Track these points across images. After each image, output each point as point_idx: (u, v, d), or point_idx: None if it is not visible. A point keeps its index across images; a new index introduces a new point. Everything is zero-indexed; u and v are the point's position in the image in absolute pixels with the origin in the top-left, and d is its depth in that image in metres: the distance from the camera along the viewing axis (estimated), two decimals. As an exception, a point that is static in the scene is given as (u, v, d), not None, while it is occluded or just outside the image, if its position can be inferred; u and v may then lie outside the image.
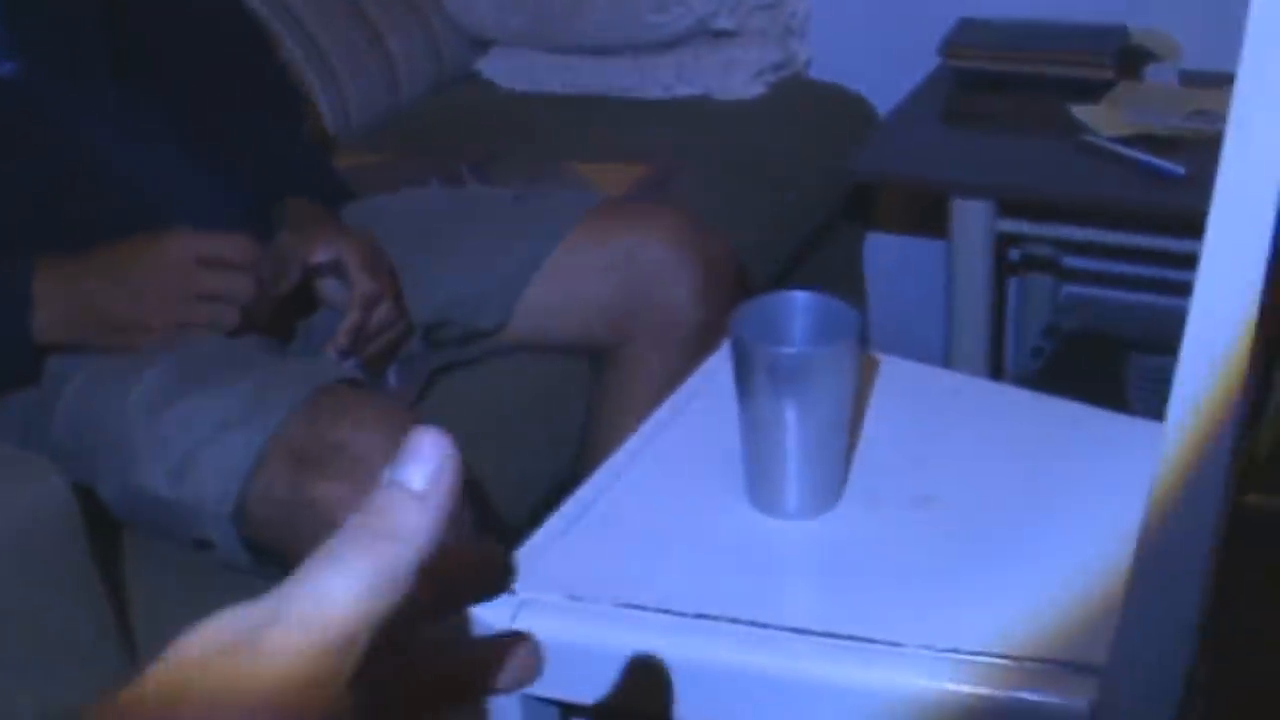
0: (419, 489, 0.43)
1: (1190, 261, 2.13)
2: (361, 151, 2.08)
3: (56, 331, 1.31)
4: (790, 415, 0.92)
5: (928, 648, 0.84)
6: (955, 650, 0.83)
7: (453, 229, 1.56)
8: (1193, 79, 2.02)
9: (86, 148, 1.38)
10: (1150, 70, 2.06)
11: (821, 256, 2.24)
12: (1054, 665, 0.81)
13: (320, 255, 1.42)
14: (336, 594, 0.41)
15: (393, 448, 1.13)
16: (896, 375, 1.11)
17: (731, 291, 1.55)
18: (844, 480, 0.98)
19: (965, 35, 2.13)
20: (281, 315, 1.41)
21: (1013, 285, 2.31)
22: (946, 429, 1.06)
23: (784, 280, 2.05)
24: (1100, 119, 1.90)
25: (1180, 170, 1.75)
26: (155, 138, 1.45)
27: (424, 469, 0.44)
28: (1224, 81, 1.85)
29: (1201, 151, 1.81)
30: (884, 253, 2.46)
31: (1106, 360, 2.15)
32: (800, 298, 0.96)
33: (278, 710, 0.39)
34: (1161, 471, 0.72)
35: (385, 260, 1.47)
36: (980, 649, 0.83)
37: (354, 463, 1.18)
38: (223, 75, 1.58)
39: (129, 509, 1.28)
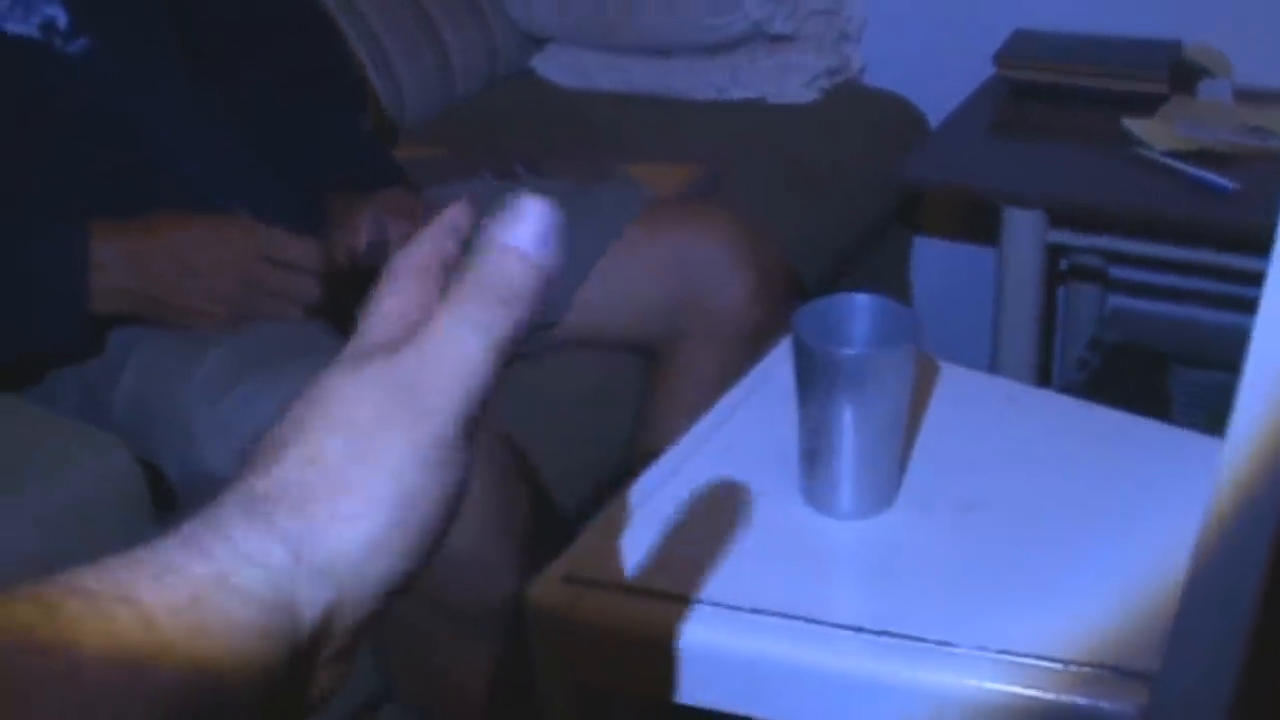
0: (530, 251, 0.46)
1: (1239, 276, 2.14)
2: (415, 143, 2.10)
3: (113, 301, 1.32)
4: (848, 416, 0.93)
5: (980, 649, 0.85)
6: (1007, 652, 0.84)
7: None
8: (1246, 95, 2.02)
9: (150, 129, 1.39)
10: (1203, 85, 2.06)
11: (870, 260, 2.25)
12: (1105, 670, 0.82)
13: (364, 238, 1.43)
14: (476, 356, 0.45)
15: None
16: (950, 380, 1.13)
17: (783, 294, 1.56)
18: (899, 482, 0.99)
19: (1019, 46, 2.14)
20: (344, 300, 1.43)
21: (1059, 295, 2.32)
22: (999, 435, 1.07)
23: (833, 283, 2.06)
24: (1153, 133, 1.90)
25: (1232, 185, 1.75)
26: (217, 123, 1.47)
27: (532, 231, 0.46)
28: (1277, 98, 1.85)
29: (1254, 167, 1.81)
30: (931, 258, 2.47)
31: (1150, 373, 2.15)
32: (861, 300, 0.97)
33: (440, 471, 0.45)
34: (1220, 483, 0.73)
35: (416, 206, 1.49)
36: (1032, 652, 0.84)
37: None
38: (286, 61, 1.60)
39: (192, 487, 1.29)
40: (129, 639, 0.38)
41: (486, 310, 0.46)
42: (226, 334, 1.33)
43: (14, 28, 1.33)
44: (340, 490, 0.44)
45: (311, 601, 0.43)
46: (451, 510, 0.47)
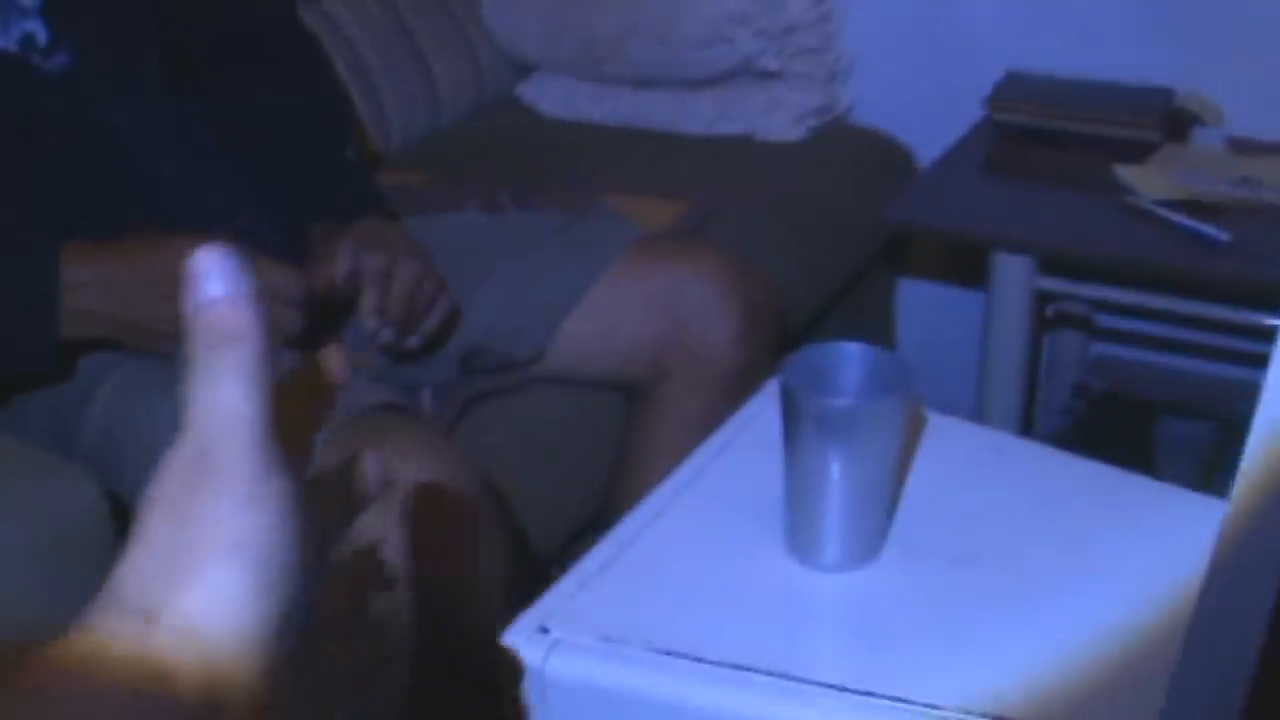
0: (224, 295, 0.49)
1: (1227, 327, 2.12)
2: (400, 170, 2.08)
3: (86, 325, 1.29)
4: (835, 467, 0.91)
5: (965, 712, 0.82)
6: (995, 715, 0.82)
7: (493, 256, 1.55)
8: (1239, 145, 2.02)
9: (128, 147, 1.37)
10: (1195, 134, 2.05)
11: (855, 301, 2.23)
12: (1095, 738, 0.80)
13: (340, 269, 1.41)
14: (230, 401, 0.49)
15: (432, 473, 1.14)
16: (938, 430, 1.10)
17: (771, 334, 1.54)
18: (885, 534, 0.97)
19: (1011, 89, 2.12)
20: (315, 330, 1.41)
21: (1044, 342, 2.30)
22: (987, 487, 1.05)
23: (817, 324, 2.04)
24: (1144, 181, 1.89)
25: (1225, 237, 1.74)
26: (198, 141, 1.44)
27: (218, 278, 0.50)
28: (1271, 150, 1.84)
29: (1245, 219, 1.80)
30: (916, 300, 2.46)
31: (1135, 422, 2.13)
32: (851, 349, 0.95)
33: (253, 511, 0.48)
34: (1220, 547, 0.71)
35: (395, 237, 1.47)
36: (1020, 714, 0.82)
37: (392, 488, 1.17)
38: (269, 84, 1.58)
39: None
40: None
41: (216, 359, 0.49)
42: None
43: None
44: (173, 563, 0.47)
45: (183, 664, 0.45)
46: (297, 541, 0.49)
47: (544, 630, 0.90)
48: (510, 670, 0.89)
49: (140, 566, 0.47)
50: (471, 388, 1.53)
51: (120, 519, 1.18)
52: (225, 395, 0.49)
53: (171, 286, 1.27)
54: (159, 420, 1.26)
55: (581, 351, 1.53)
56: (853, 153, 2.25)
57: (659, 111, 2.27)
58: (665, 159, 2.16)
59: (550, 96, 2.36)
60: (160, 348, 1.30)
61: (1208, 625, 0.73)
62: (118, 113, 1.37)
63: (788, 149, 2.20)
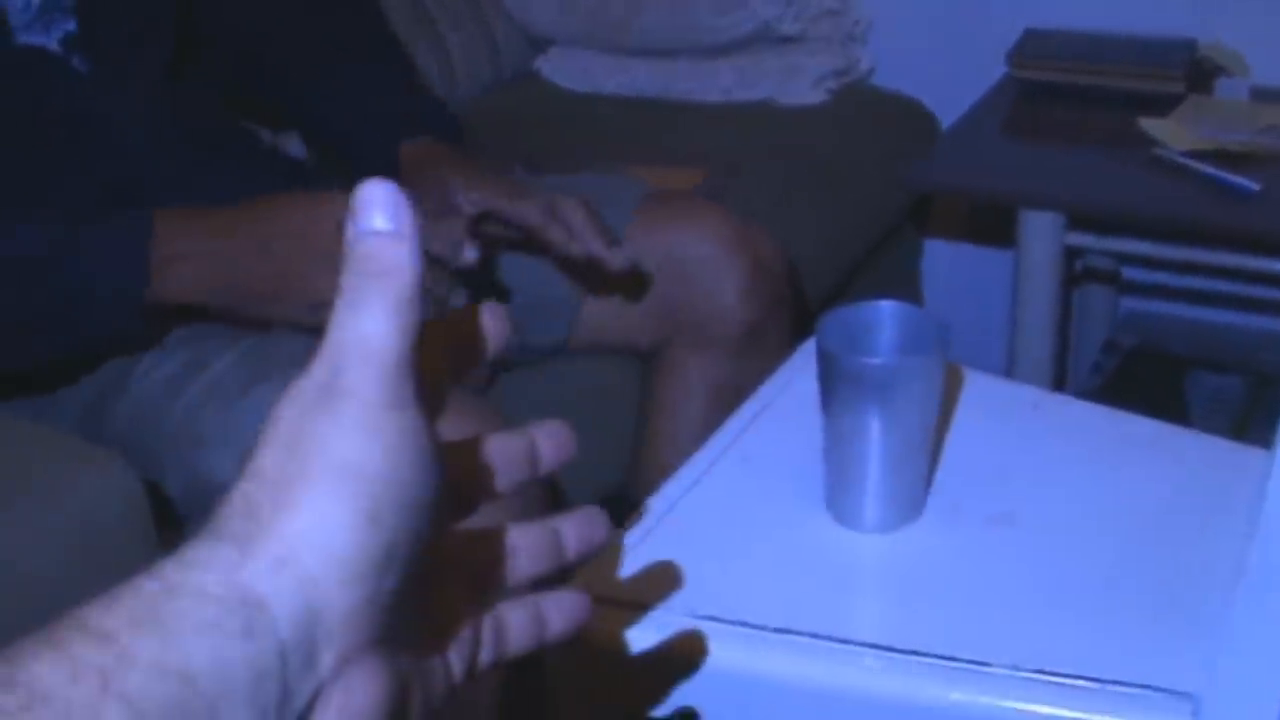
0: (387, 228, 0.49)
1: (1257, 278, 2.11)
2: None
3: (186, 287, 1.23)
4: (874, 427, 0.90)
5: (1014, 668, 0.82)
6: (1043, 671, 0.81)
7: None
8: (1263, 94, 2.00)
9: (140, 153, 1.35)
10: (1220, 85, 2.03)
11: (881, 264, 2.22)
12: (1146, 690, 0.79)
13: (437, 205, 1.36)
14: (371, 329, 0.48)
15: (469, 430, 1.11)
16: (974, 387, 1.09)
17: (779, 292, 1.51)
18: (925, 494, 0.96)
19: (1031, 46, 2.11)
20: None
21: (1073, 299, 2.29)
22: (1027, 444, 1.04)
23: (845, 288, 2.03)
24: (1170, 133, 1.87)
25: (1255, 186, 1.72)
26: (207, 143, 1.43)
27: (382, 210, 0.49)
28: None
29: (1273, 168, 1.78)
30: (943, 261, 2.44)
31: (1167, 377, 2.12)
32: (886, 307, 0.94)
33: (372, 437, 0.47)
34: (1272, 498, 0.70)
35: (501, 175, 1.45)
36: (1068, 671, 0.81)
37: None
38: (315, 26, 1.56)
39: (197, 501, 1.25)
40: (86, 660, 0.40)
41: (363, 290, 0.48)
42: (313, 321, 1.21)
43: (35, 39, 1.30)
44: (280, 489, 0.46)
45: (278, 593, 0.44)
46: (417, 473, 0.48)
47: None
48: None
49: (245, 495, 0.46)
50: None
51: (155, 504, 1.18)
52: (366, 323, 0.48)
53: (280, 248, 1.23)
54: (195, 395, 1.25)
55: (592, 319, 1.51)
56: (874, 115, 2.23)
57: (678, 81, 2.26)
58: (685, 128, 2.14)
59: (568, 70, 2.35)
60: (264, 314, 1.26)
61: (1260, 573, 0.72)
62: (131, 115, 1.36)
63: (808, 113, 2.18)
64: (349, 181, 0.52)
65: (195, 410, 1.25)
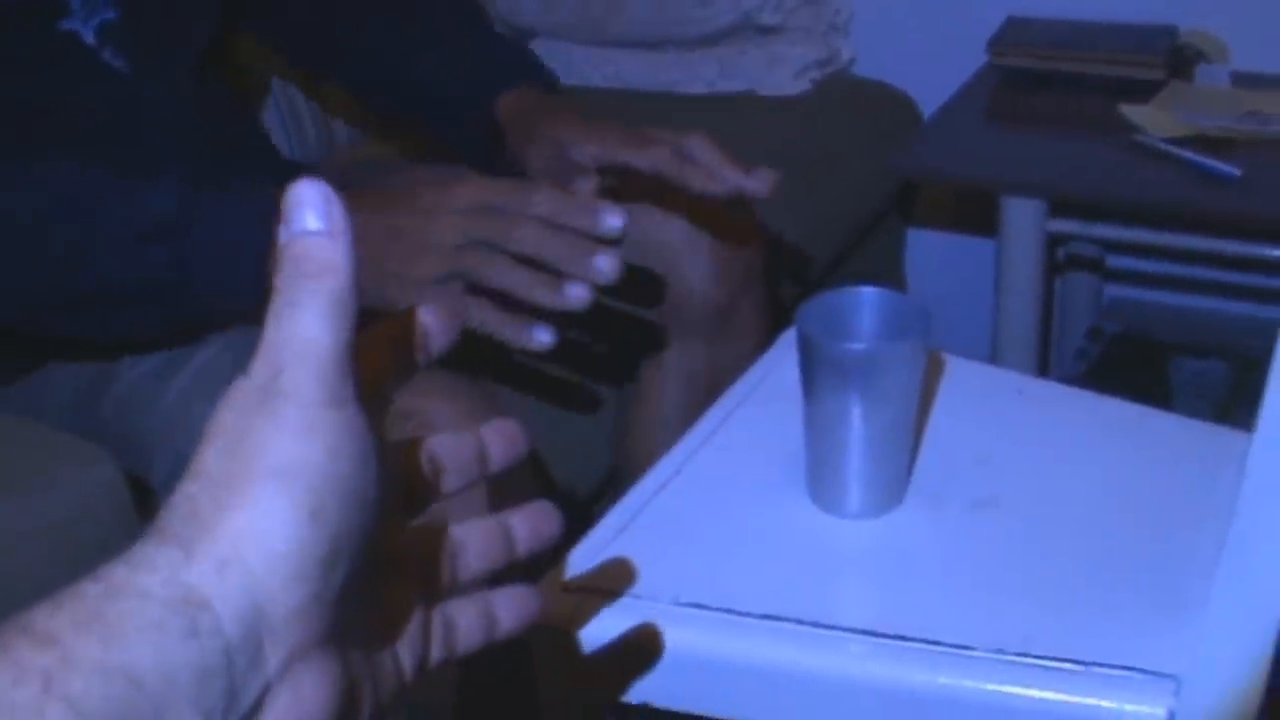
0: (319, 227, 0.49)
1: (1240, 263, 2.11)
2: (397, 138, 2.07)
3: None
4: (856, 412, 0.90)
5: (999, 651, 0.82)
6: (1026, 654, 0.82)
7: None
8: (1243, 80, 2.00)
9: (161, 154, 1.31)
10: (1200, 71, 2.03)
11: (865, 253, 2.22)
12: (1130, 672, 0.79)
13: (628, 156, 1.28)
14: (308, 330, 0.48)
15: (462, 416, 1.13)
16: (957, 373, 1.10)
17: (750, 275, 1.48)
18: (907, 480, 0.96)
19: (1012, 34, 2.11)
20: None
21: (1056, 286, 2.29)
22: (1009, 429, 1.04)
23: (828, 278, 2.03)
24: (1151, 119, 1.88)
25: (1235, 172, 1.73)
26: (226, 146, 1.40)
27: (314, 209, 0.50)
28: (1276, 84, 1.83)
29: (1254, 153, 1.79)
30: (926, 250, 2.45)
31: (1151, 363, 2.13)
32: (867, 293, 0.95)
33: (311, 436, 0.47)
34: (1250, 479, 0.71)
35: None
36: (1052, 654, 0.81)
37: (423, 430, 1.12)
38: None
39: None
40: (28, 662, 0.40)
41: (299, 290, 0.48)
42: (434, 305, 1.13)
43: (74, 25, 1.26)
44: (222, 489, 0.46)
45: (223, 593, 0.44)
46: (358, 470, 0.48)
47: (569, 588, 0.90)
48: (539, 629, 0.89)
49: (188, 496, 0.47)
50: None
51: (139, 499, 1.18)
52: (303, 323, 0.48)
53: (406, 224, 1.10)
54: (183, 381, 1.24)
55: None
56: (856, 105, 2.23)
57: (660, 73, 2.26)
58: (668, 120, 2.12)
59: (551, 62, 2.33)
60: (393, 297, 1.11)
61: (1240, 555, 0.72)
62: (169, 113, 1.33)
63: (791, 104, 2.18)
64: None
65: (187, 397, 1.23)
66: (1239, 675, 0.75)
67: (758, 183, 1.27)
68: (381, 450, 0.51)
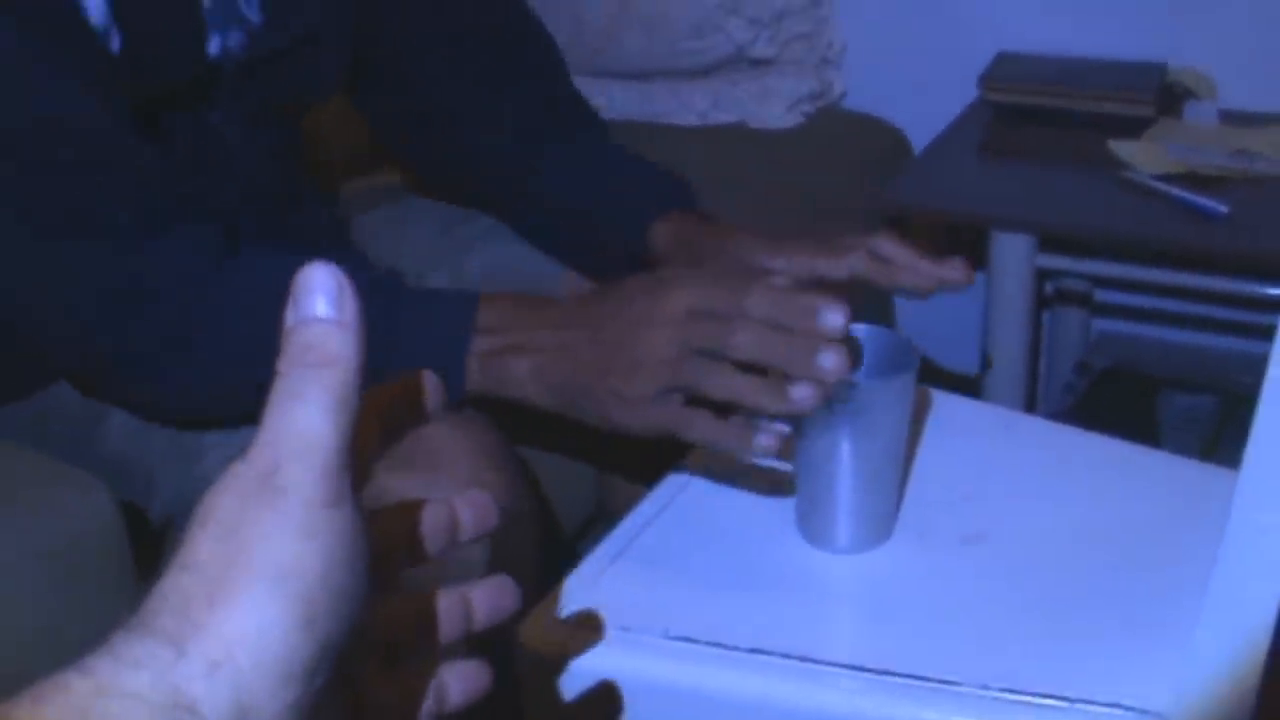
0: (330, 315, 0.48)
1: (1228, 299, 2.12)
2: (393, 169, 2.07)
3: (521, 378, 1.06)
4: (846, 448, 0.91)
5: (985, 687, 0.82)
6: (1013, 690, 0.82)
7: (475, 245, 1.48)
8: (1232, 118, 2.02)
9: (229, 208, 1.22)
10: (1189, 108, 2.05)
11: (854, 287, 2.22)
12: (1115, 709, 0.80)
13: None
14: (310, 425, 0.47)
15: (466, 441, 1.12)
16: (945, 408, 1.10)
17: None
18: (896, 515, 0.97)
19: (1003, 69, 2.12)
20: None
21: (1045, 320, 2.30)
22: (997, 465, 1.05)
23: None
24: (1141, 156, 1.89)
25: (1223, 209, 1.74)
26: (282, 207, 1.33)
27: (326, 295, 0.48)
28: (1264, 121, 1.84)
29: (1243, 190, 1.80)
30: (915, 284, 2.45)
31: (1139, 398, 2.13)
32: (857, 329, 0.96)
33: (309, 537, 0.47)
34: (1235, 516, 0.71)
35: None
36: (1038, 690, 0.82)
37: (429, 456, 1.11)
38: (537, 107, 1.40)
39: (187, 513, 1.21)
40: None
41: (304, 381, 0.48)
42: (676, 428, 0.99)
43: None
44: (215, 585, 0.46)
45: (210, 696, 0.44)
46: (353, 572, 0.48)
47: (559, 620, 0.90)
48: (528, 662, 0.89)
49: (180, 587, 0.46)
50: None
51: (135, 529, 1.18)
52: (306, 416, 0.47)
53: (616, 336, 1.01)
54: (180, 435, 1.24)
55: None
56: (848, 138, 2.24)
57: (652, 104, 2.27)
58: (660, 151, 2.13)
59: (543, 92, 2.35)
60: (602, 413, 1.04)
61: (1225, 592, 0.73)
62: (245, 158, 1.27)
63: (782, 136, 2.19)
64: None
65: (179, 439, 1.23)
66: (1224, 712, 0.75)
67: (956, 272, 1.25)
68: (369, 545, 0.50)
